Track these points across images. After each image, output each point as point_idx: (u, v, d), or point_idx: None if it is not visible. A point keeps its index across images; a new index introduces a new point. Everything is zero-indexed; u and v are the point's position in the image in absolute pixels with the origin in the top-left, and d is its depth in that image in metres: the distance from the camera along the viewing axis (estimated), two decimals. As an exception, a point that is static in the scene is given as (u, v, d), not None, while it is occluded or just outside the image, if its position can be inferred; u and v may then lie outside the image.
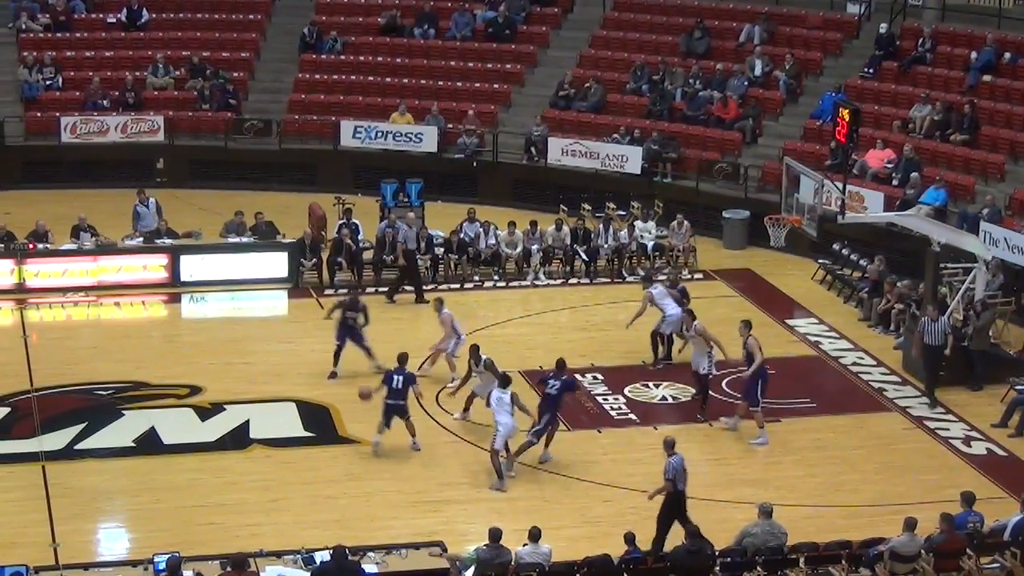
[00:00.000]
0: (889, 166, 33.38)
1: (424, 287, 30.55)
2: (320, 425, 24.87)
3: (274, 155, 37.97)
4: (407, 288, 30.48)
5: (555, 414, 23.48)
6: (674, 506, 20.50)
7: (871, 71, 36.35)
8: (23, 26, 39.66)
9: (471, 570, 18.68)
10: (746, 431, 24.65)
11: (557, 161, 36.51)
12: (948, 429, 25.15)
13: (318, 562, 18.43)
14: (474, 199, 35.51)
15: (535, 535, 19.01)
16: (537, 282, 31.85)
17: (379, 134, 37.49)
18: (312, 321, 29.03)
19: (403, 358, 23.88)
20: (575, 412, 25.35)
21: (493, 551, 18.69)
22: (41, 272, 30.58)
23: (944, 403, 25.94)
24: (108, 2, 40.88)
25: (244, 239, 31.55)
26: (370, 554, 18.95)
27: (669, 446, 20.71)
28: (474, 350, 24.61)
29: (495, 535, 18.79)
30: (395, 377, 23.48)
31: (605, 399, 26.01)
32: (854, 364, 27.95)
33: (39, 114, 37.86)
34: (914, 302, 28.59)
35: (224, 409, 25.27)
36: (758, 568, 18.84)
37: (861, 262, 31.60)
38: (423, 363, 26.42)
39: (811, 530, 20.60)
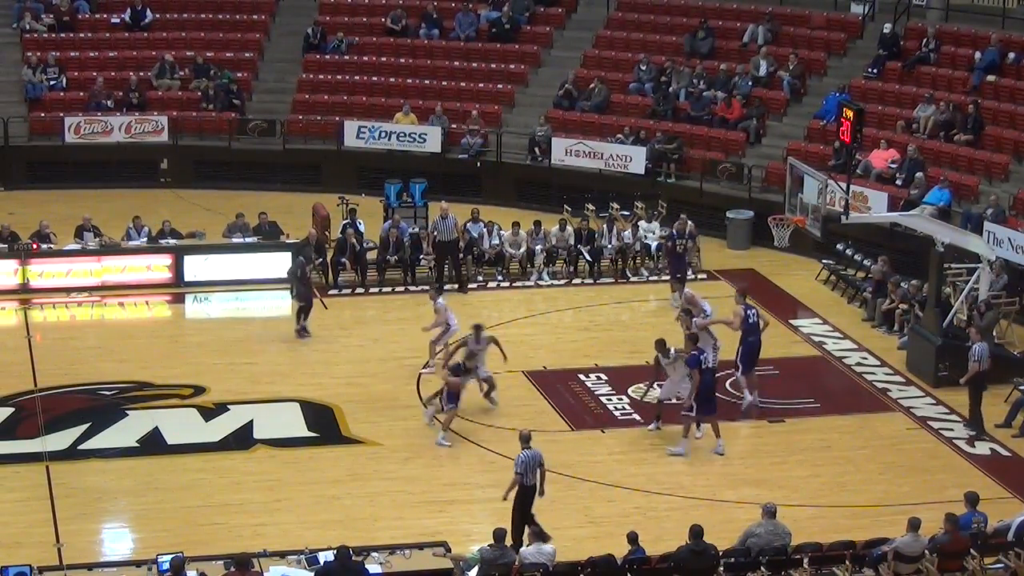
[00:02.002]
0: (893, 166, 33.34)
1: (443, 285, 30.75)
2: (324, 425, 24.86)
3: (278, 155, 37.96)
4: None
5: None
6: (525, 500, 20.50)
7: (875, 71, 36.29)
8: (27, 26, 39.62)
9: (475, 570, 18.67)
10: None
11: (561, 161, 36.47)
12: (952, 429, 25.10)
13: (322, 562, 18.41)
14: (478, 199, 35.48)
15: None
16: (541, 282, 31.81)
17: (383, 134, 37.46)
18: (315, 321, 29.01)
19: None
20: (579, 412, 25.37)
21: (497, 551, 18.68)
22: (45, 272, 30.57)
23: (947, 403, 25.91)
24: (112, 2, 40.82)
25: (248, 239, 31.56)
26: (374, 554, 18.93)
27: (524, 440, 20.76)
28: (661, 343, 24.43)
29: (499, 535, 18.79)
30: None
31: (609, 399, 25.99)
32: (858, 364, 27.91)
33: (43, 114, 37.84)
34: (917, 302, 28.58)
35: (228, 409, 25.27)
36: (762, 568, 18.81)
37: (865, 262, 31.55)
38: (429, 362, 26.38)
39: (815, 530, 20.57)
